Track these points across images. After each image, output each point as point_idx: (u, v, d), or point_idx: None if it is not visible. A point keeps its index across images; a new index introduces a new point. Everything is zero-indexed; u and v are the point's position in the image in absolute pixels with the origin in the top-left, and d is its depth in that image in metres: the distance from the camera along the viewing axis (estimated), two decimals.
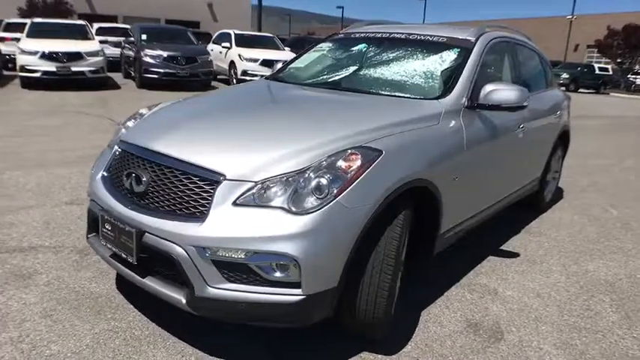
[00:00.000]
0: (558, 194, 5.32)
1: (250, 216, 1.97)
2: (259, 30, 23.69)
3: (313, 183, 2.01)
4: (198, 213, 2.04)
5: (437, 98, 2.80)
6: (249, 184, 2.02)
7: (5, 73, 14.33)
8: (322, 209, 1.96)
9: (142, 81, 12.78)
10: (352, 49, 3.58)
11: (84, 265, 3.06)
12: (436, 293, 2.95)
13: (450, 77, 2.97)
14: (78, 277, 2.92)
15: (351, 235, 2.02)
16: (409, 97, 2.85)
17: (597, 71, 29.23)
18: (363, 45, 3.53)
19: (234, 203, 2.00)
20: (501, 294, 3.01)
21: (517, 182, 3.81)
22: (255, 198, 2.00)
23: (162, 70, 12.56)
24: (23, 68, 11.56)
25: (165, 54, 12.71)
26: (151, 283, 2.19)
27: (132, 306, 2.64)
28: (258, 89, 3.37)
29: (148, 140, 2.37)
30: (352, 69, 3.34)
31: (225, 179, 2.04)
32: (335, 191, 1.99)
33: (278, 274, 1.97)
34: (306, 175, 2.03)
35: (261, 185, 2.02)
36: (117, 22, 23.11)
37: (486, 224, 3.81)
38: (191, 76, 12.94)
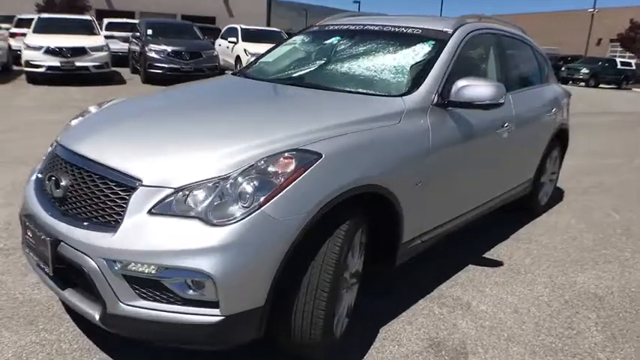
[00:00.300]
0: (557, 196, 5.02)
1: (164, 227, 1.77)
2: (268, 25, 23.46)
3: (237, 191, 1.79)
4: (112, 222, 1.85)
5: (401, 95, 2.56)
6: (168, 191, 1.81)
7: (15, 68, 14.39)
8: (244, 220, 1.74)
9: (146, 76, 12.71)
10: (324, 42, 3.35)
11: (32, 270, 2.89)
12: (401, 306, 2.71)
13: (420, 72, 2.72)
14: (22, 282, 2.77)
15: (280, 249, 1.80)
16: (372, 94, 2.61)
17: (619, 66, 28.28)
18: (336, 38, 3.29)
19: (150, 212, 1.80)
20: (474, 308, 2.76)
21: (502, 185, 3.53)
22: (173, 206, 1.80)
23: (166, 65, 12.46)
24: (28, 63, 11.57)
25: (169, 49, 12.60)
26: (70, 296, 2.01)
27: (68, 316, 2.47)
28: (215, 86, 3.16)
29: (73, 141, 2.19)
30: (319, 64, 3.11)
31: (142, 185, 1.84)
32: (261, 200, 1.78)
33: (192, 292, 1.76)
34: (231, 182, 1.81)
35: (181, 192, 1.81)
36: (134, 18, 23.25)
37: (469, 229, 3.55)
38: (195, 71, 12.80)
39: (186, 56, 12.63)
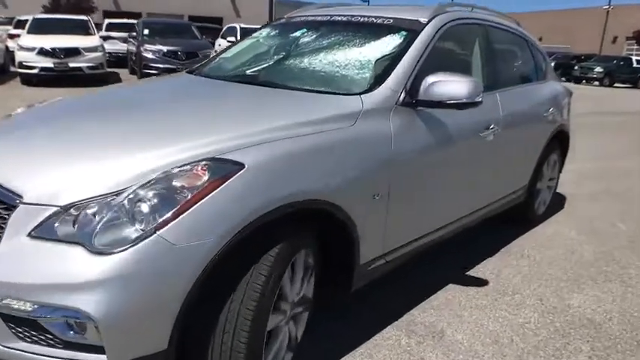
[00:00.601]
0: (557, 203, 4.63)
1: (43, 253, 1.45)
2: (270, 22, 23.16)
3: (133, 210, 1.46)
4: None
5: (360, 94, 2.21)
6: (52, 210, 1.50)
7: (13, 69, 14.24)
8: (135, 247, 1.41)
9: (142, 76, 12.46)
10: (288, 36, 3.02)
11: None
12: (362, 335, 2.37)
13: (385, 68, 2.37)
14: None
15: (183, 282, 1.47)
16: (326, 93, 2.27)
17: (635, 64, 27.51)
18: (300, 31, 2.95)
19: (30, 235, 1.48)
20: (448, 338, 2.40)
21: (489, 194, 3.17)
22: (56, 229, 1.47)
23: (161, 66, 12.20)
24: (21, 64, 11.40)
25: (165, 49, 12.36)
26: None
27: None
28: (159, 85, 2.83)
29: None
30: (276, 59, 2.79)
31: (22, 202, 1.52)
32: (158, 222, 1.45)
33: (73, 334, 1.44)
34: (127, 199, 1.48)
35: (68, 211, 1.49)
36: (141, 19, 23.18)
37: (454, 241, 3.19)
38: None
39: (182, 56, 12.37)
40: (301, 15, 3.20)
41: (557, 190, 4.70)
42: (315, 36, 2.82)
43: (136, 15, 32.68)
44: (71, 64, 11.54)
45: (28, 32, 12.20)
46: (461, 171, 2.70)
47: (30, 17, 13.83)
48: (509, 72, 3.41)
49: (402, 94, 2.29)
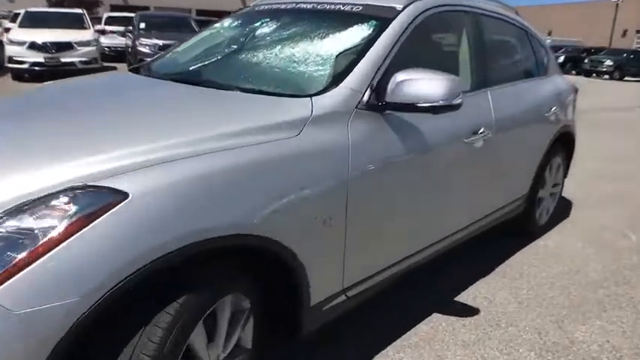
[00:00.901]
0: (562, 211, 4.19)
1: None
2: None
3: None
4: None
5: (312, 95, 1.80)
6: None
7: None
8: None
9: None
10: (248, 26, 2.61)
11: None
12: None
13: (348, 63, 1.96)
14: None
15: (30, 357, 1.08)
16: (273, 94, 1.86)
17: None
18: (261, 21, 2.55)
19: None
20: None
21: (480, 209, 2.76)
22: None
23: None
24: (11, 59, 11.10)
25: (161, 43, 11.96)
26: None
27: None
28: (88, 85, 2.42)
29: None
30: (228, 55, 2.40)
31: None
32: None
33: None
34: None
35: None
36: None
37: (441, 259, 2.79)
38: None
39: None
40: (267, 3, 2.79)
41: (563, 194, 4.27)
42: (275, 27, 2.42)
43: (144, 9, 32.32)
44: (63, 59, 11.22)
45: (20, 26, 11.90)
46: (442, 185, 2.29)
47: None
48: (504, 67, 2.98)
49: (366, 96, 1.88)
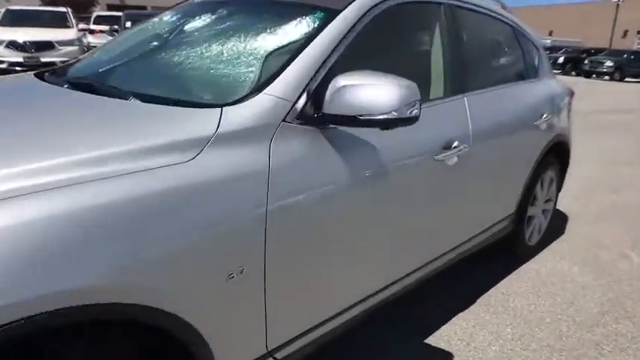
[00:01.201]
0: (558, 227, 3.80)
1: None
2: None
3: None
4: None
5: (223, 105, 1.40)
6: None
7: None
8: None
9: None
10: (180, 21, 2.21)
11: None
12: None
13: (279, 65, 1.56)
14: None
15: None
16: (180, 103, 1.45)
17: None
18: (196, 14, 2.15)
19: None
20: None
21: (455, 235, 2.35)
22: None
23: None
24: None
25: None
26: None
27: None
28: None
29: None
30: (144, 55, 2.00)
31: None
32: None
33: None
34: None
35: None
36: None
37: (415, 291, 2.39)
38: None
39: None
40: None
41: (559, 207, 3.89)
42: (208, 21, 2.02)
43: (141, 8, 31.88)
44: (43, 59, 10.79)
45: (1, 24, 11.48)
46: (402, 214, 1.88)
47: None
48: (485, 69, 2.58)
49: (300, 105, 1.48)
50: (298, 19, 1.75)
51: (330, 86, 1.47)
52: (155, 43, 2.02)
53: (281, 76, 1.49)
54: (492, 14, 2.66)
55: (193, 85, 1.60)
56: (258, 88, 1.46)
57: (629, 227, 3.91)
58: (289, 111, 1.46)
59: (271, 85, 1.46)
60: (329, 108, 1.47)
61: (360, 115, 1.43)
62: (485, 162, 2.33)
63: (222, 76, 1.59)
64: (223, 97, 1.45)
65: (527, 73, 2.99)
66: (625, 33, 44.16)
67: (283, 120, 1.44)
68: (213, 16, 1.99)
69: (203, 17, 2.02)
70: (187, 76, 1.66)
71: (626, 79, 24.80)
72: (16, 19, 11.72)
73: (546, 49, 3.85)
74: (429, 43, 2.18)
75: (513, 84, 2.77)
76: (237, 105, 1.40)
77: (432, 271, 2.26)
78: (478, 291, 2.78)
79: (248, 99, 1.42)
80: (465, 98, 2.22)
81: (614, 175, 5.52)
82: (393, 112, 1.44)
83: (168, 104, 1.42)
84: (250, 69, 1.57)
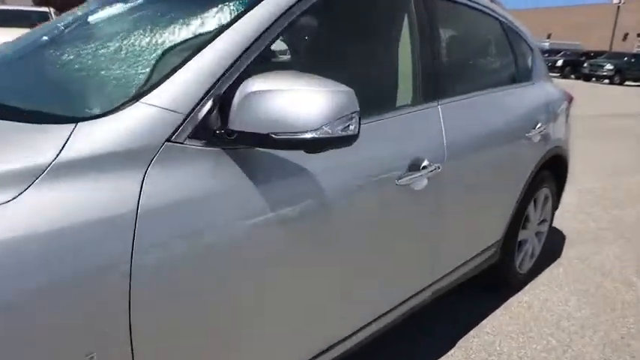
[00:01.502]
0: (554, 249, 3.40)
1: None
2: None
3: None
4: None
5: (80, 119, 1.00)
6: None
7: None
8: None
9: None
10: (87, 13, 1.81)
11: None
12: None
13: (175, 64, 1.16)
14: None
15: None
16: (28, 117, 1.05)
17: None
18: (107, 4, 1.75)
19: None
20: None
21: (427, 271, 1.94)
22: None
23: None
24: None
25: None
26: None
27: None
28: None
29: None
30: (25, 56, 1.59)
31: None
32: None
33: None
34: None
35: None
36: None
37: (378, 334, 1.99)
38: None
39: None
40: None
41: (554, 224, 3.49)
42: (104, 15, 1.64)
43: None
44: None
45: None
46: (345, 259, 1.47)
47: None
48: (466, 70, 2.18)
49: (196, 118, 1.08)
50: (213, 4, 1.35)
51: (238, 92, 1.07)
52: (49, 39, 1.62)
53: (169, 79, 1.08)
54: (477, 6, 2.25)
55: (53, 93, 1.20)
56: (136, 96, 1.06)
57: (635, 248, 3.51)
58: (179, 127, 1.05)
59: (154, 91, 1.06)
60: (234, 123, 1.07)
61: (275, 134, 1.03)
62: (462, 184, 1.93)
63: (93, 80, 1.18)
64: (82, 108, 1.04)
65: (518, 75, 2.59)
66: (625, 36, 43.82)
67: (168, 139, 1.04)
68: (111, 10, 1.60)
69: (101, 11, 1.63)
70: (50, 81, 1.26)
71: (627, 83, 24.49)
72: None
73: (544, 52, 3.46)
74: (394, 38, 1.78)
75: (501, 88, 2.36)
76: (99, 119, 0.99)
77: (417, 304, 1.86)
78: (459, 332, 2.37)
79: (118, 111, 1.02)
80: (440, 106, 1.82)
81: (616, 187, 5.12)
82: (324, 129, 1.04)
83: (6, 118, 1.01)
84: (138, 70, 1.17)
